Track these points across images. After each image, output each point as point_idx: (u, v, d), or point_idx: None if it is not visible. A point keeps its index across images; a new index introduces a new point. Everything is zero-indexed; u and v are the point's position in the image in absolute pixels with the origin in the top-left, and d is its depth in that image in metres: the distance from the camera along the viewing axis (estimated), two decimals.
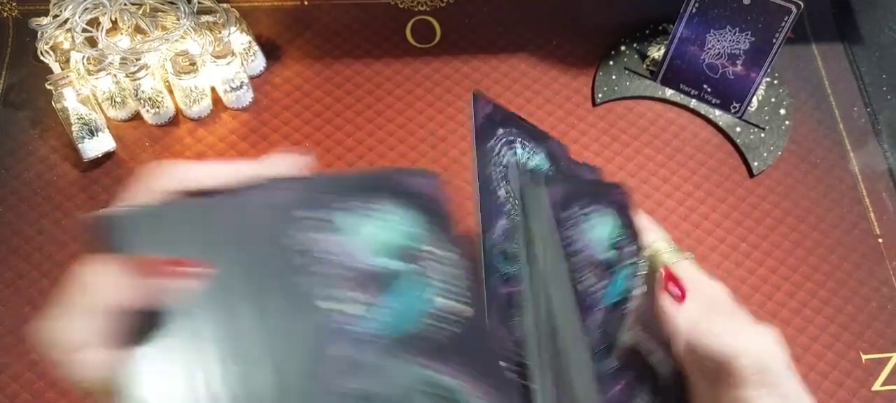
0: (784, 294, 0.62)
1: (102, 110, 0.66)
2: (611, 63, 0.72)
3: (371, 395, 0.25)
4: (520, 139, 0.37)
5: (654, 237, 0.37)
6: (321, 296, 0.25)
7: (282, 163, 0.28)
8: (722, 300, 0.35)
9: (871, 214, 0.66)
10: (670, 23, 0.68)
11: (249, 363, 0.24)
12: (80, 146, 0.63)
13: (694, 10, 0.65)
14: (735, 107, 0.69)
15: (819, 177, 0.68)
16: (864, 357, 0.59)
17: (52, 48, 0.65)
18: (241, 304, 0.24)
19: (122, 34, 0.66)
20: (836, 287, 0.62)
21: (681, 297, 0.33)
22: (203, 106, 0.67)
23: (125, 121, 0.67)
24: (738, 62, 0.66)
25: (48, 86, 0.62)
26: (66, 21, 0.65)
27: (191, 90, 0.65)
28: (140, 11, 0.65)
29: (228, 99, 0.67)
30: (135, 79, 0.63)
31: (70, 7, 0.64)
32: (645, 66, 0.72)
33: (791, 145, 0.69)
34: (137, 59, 0.63)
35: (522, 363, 0.31)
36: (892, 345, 0.60)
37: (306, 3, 0.74)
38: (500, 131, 0.36)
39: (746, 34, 0.64)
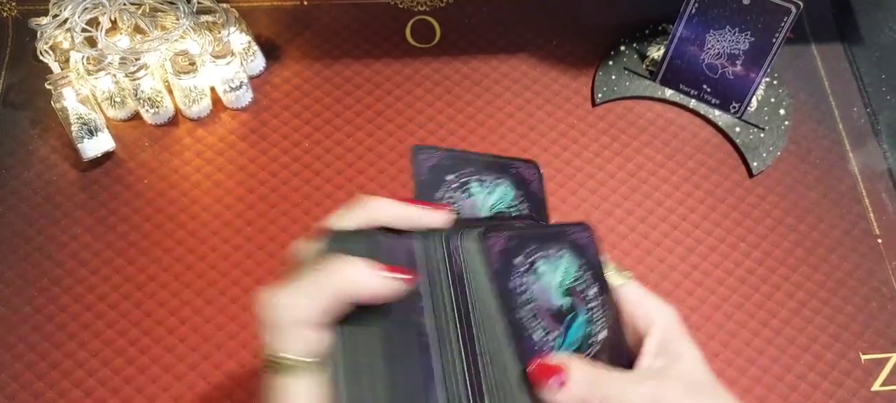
0: (784, 294, 0.62)
1: (102, 110, 0.66)
2: (610, 63, 0.72)
3: None
4: (476, 175, 0.36)
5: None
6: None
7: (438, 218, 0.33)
8: (673, 333, 0.34)
9: (871, 214, 0.66)
10: (670, 23, 0.68)
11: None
12: (79, 146, 0.63)
13: (693, 10, 0.65)
14: (734, 108, 0.69)
15: (818, 177, 0.68)
16: (863, 357, 0.59)
17: (51, 48, 0.65)
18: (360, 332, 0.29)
19: (121, 34, 0.66)
20: (836, 287, 0.62)
21: (561, 384, 0.30)
22: (202, 106, 0.67)
23: (124, 120, 0.67)
24: (737, 62, 0.66)
25: (48, 86, 0.63)
26: (65, 21, 0.65)
27: (190, 90, 0.65)
28: (139, 11, 0.65)
29: (228, 99, 0.67)
30: (134, 79, 0.63)
31: (69, 7, 0.64)
32: (644, 66, 0.72)
33: (790, 145, 0.69)
34: (137, 59, 0.63)
35: None
36: (891, 345, 0.60)
37: (306, 3, 0.74)
38: (450, 177, 0.35)
39: (746, 34, 0.64)
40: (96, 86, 0.64)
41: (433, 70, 0.71)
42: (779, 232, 0.65)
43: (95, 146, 0.63)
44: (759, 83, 0.66)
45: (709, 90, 0.69)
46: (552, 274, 0.33)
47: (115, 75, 0.64)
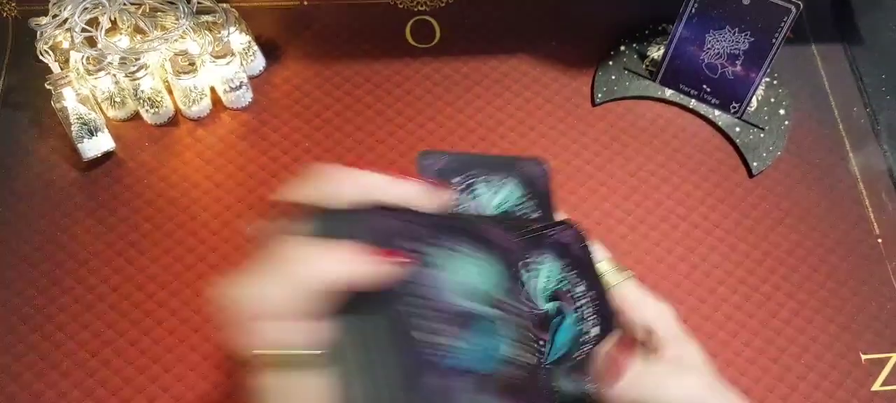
0: (784, 294, 0.62)
1: (102, 110, 0.66)
2: (610, 63, 0.72)
3: None
4: (482, 176, 0.36)
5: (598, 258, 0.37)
6: (416, 326, 0.27)
7: (416, 193, 0.30)
8: (671, 330, 0.35)
9: (871, 214, 0.66)
10: (670, 23, 0.68)
11: (347, 382, 0.26)
12: (79, 146, 0.63)
13: (693, 10, 0.65)
14: (734, 108, 0.69)
15: (818, 178, 0.68)
16: (863, 357, 0.59)
17: (51, 48, 0.65)
18: (346, 323, 0.26)
19: (121, 34, 0.65)
20: (836, 287, 0.62)
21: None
22: (202, 106, 0.67)
23: (124, 121, 0.67)
24: (737, 62, 0.66)
25: (47, 86, 0.62)
26: (65, 21, 0.65)
27: (190, 90, 0.65)
28: (139, 11, 0.65)
29: (228, 99, 0.67)
30: (134, 79, 0.63)
31: (69, 7, 0.64)
32: (644, 66, 0.72)
33: (790, 145, 0.69)
34: (137, 59, 0.63)
35: None
36: (891, 345, 0.60)
37: (306, 3, 0.74)
38: (456, 180, 0.35)
39: (746, 34, 0.64)
40: (96, 86, 0.64)
41: (433, 70, 0.71)
42: (779, 233, 0.65)
43: (95, 146, 0.63)
44: (759, 83, 0.66)
45: (709, 90, 0.69)
46: (534, 281, 0.32)
47: (115, 75, 0.64)
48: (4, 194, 0.63)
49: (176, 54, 0.64)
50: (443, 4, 0.75)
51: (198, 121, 0.67)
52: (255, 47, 0.69)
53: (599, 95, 0.70)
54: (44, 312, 0.58)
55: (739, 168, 0.68)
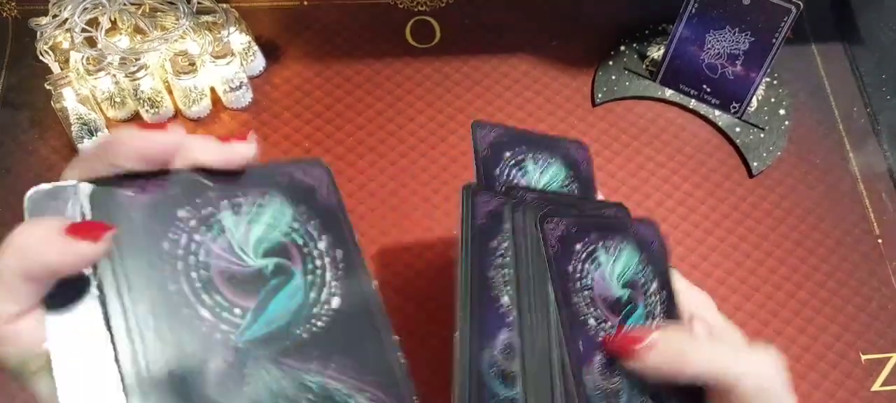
0: (784, 294, 0.62)
1: (102, 110, 0.66)
2: (610, 63, 0.72)
3: None
4: (531, 154, 0.36)
5: None
6: (202, 303, 0.24)
7: (211, 151, 0.26)
8: (713, 318, 0.35)
9: (871, 214, 0.66)
10: (670, 23, 0.68)
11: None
12: (79, 146, 0.63)
13: (694, 10, 0.65)
14: (735, 108, 0.69)
15: (819, 178, 0.68)
16: (863, 357, 0.59)
17: (51, 48, 0.65)
18: (135, 307, 0.23)
19: (121, 34, 0.65)
20: (836, 287, 0.62)
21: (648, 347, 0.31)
22: (202, 106, 0.67)
23: (124, 121, 0.67)
24: (737, 62, 0.66)
25: (48, 86, 0.62)
26: (65, 21, 0.65)
27: (190, 90, 0.65)
28: (139, 11, 0.65)
29: (228, 99, 0.67)
30: (134, 80, 0.63)
31: (69, 7, 0.64)
32: (645, 66, 0.72)
33: (791, 145, 0.69)
34: (137, 59, 0.63)
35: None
36: (892, 346, 0.60)
37: (306, 3, 0.74)
38: (507, 154, 0.35)
39: (746, 34, 0.64)
40: (96, 86, 0.64)
41: (433, 70, 0.71)
42: (779, 233, 0.65)
43: None
44: (760, 83, 0.66)
45: (709, 90, 0.69)
46: (612, 265, 0.33)
47: (115, 75, 0.64)
48: (4, 194, 0.63)
49: (176, 54, 0.64)
50: (443, 4, 0.75)
51: (198, 121, 0.67)
52: (255, 47, 0.69)
53: (600, 95, 0.70)
54: None
55: (739, 168, 0.68)
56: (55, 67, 0.65)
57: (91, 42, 0.64)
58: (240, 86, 0.67)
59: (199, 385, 0.23)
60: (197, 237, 0.25)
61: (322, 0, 0.74)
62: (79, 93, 0.63)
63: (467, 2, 0.75)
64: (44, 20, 0.65)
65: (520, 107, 0.70)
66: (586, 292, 0.31)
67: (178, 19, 0.65)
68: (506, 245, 0.31)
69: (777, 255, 0.63)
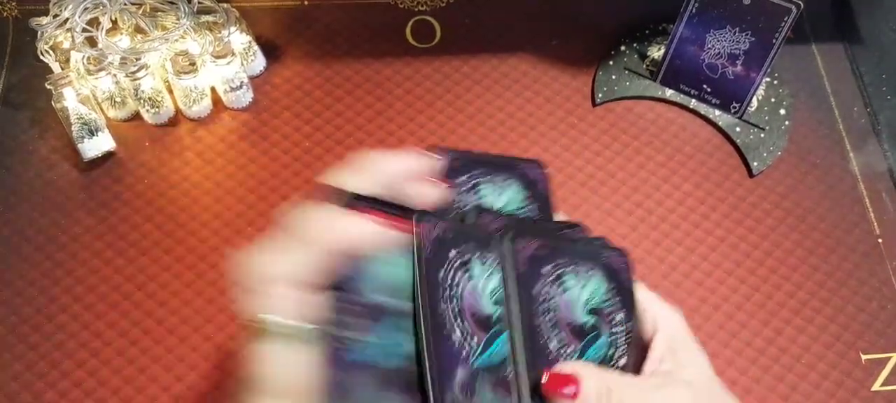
0: (784, 294, 0.62)
1: (102, 110, 0.66)
2: (611, 63, 0.72)
3: None
4: (487, 177, 0.36)
5: None
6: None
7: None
8: (680, 335, 0.34)
9: (871, 214, 0.66)
10: (670, 23, 0.68)
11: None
12: (79, 146, 0.63)
13: (694, 10, 0.65)
14: (735, 108, 0.69)
15: (819, 178, 0.68)
16: (863, 357, 0.59)
17: (52, 48, 0.65)
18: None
19: (121, 34, 0.66)
20: (836, 287, 0.62)
21: (574, 395, 0.29)
22: (203, 106, 0.67)
23: (125, 120, 0.67)
24: (737, 62, 0.66)
25: (48, 86, 0.63)
26: (66, 21, 0.65)
27: (190, 90, 0.65)
28: (140, 11, 0.65)
29: (228, 99, 0.67)
30: (134, 79, 0.63)
31: (70, 7, 0.64)
32: (645, 66, 0.72)
33: (791, 145, 0.69)
34: (137, 59, 0.63)
35: None
36: (892, 345, 0.60)
37: (306, 3, 0.74)
38: (461, 179, 0.35)
39: (746, 34, 0.64)
40: (96, 86, 0.64)
41: (433, 70, 0.71)
42: (779, 233, 0.65)
43: (95, 146, 0.63)
44: (760, 83, 0.66)
45: (709, 90, 0.69)
46: (579, 291, 0.32)
47: (115, 75, 0.64)
48: (4, 194, 0.63)
49: (176, 54, 0.64)
50: (443, 4, 0.75)
51: (198, 121, 0.67)
52: (256, 47, 0.69)
53: (600, 95, 0.70)
54: (44, 312, 0.58)
55: (740, 168, 0.68)
56: (56, 67, 0.65)
57: (91, 42, 0.65)
58: (240, 86, 0.67)
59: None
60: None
61: (322, 0, 0.74)
62: (79, 93, 0.63)
63: (467, 2, 0.75)
64: (44, 20, 0.65)
65: (520, 107, 0.70)
66: (549, 314, 0.31)
67: (178, 19, 0.65)
68: (452, 275, 0.30)
69: (777, 255, 0.63)
